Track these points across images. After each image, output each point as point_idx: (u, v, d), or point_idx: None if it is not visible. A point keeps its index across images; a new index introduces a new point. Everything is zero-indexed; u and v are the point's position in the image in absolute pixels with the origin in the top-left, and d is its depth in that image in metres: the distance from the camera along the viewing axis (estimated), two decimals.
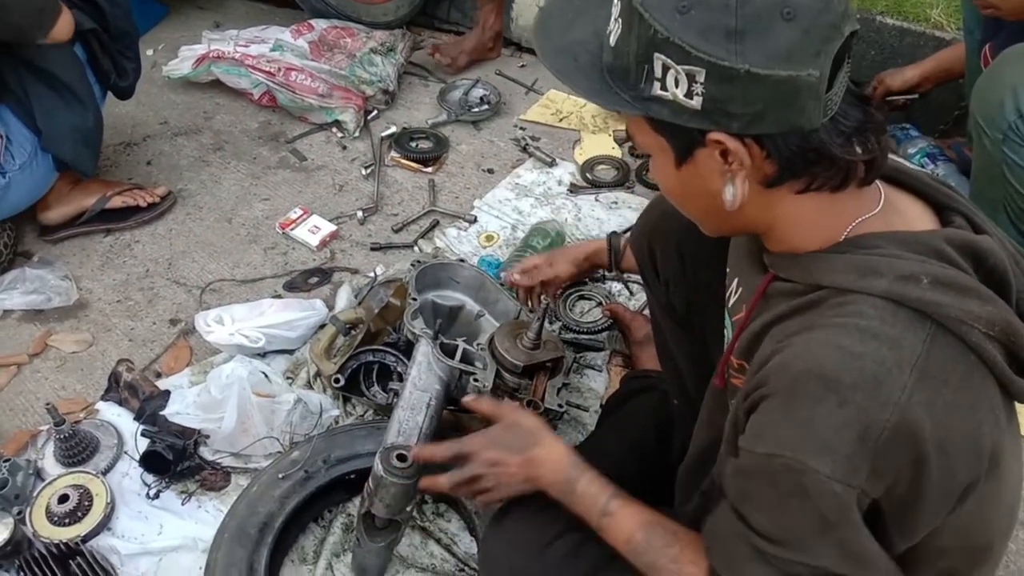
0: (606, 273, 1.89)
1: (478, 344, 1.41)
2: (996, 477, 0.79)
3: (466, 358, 1.40)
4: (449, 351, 1.40)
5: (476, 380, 1.36)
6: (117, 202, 2.08)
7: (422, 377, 1.35)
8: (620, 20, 0.77)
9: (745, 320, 0.90)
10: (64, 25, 1.76)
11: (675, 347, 1.31)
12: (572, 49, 0.83)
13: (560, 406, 1.37)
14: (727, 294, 1.01)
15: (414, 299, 1.48)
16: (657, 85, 0.76)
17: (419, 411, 1.31)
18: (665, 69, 0.74)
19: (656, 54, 0.74)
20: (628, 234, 1.44)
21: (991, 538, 0.87)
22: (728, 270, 1.02)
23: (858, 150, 0.77)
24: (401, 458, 1.20)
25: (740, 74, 0.72)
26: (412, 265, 1.59)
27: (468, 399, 1.22)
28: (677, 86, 0.74)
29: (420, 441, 1.28)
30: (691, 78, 0.73)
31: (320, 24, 2.50)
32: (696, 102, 0.74)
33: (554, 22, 0.86)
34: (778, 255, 0.86)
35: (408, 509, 1.25)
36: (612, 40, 0.79)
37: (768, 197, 0.81)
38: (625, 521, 0.97)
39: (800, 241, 0.83)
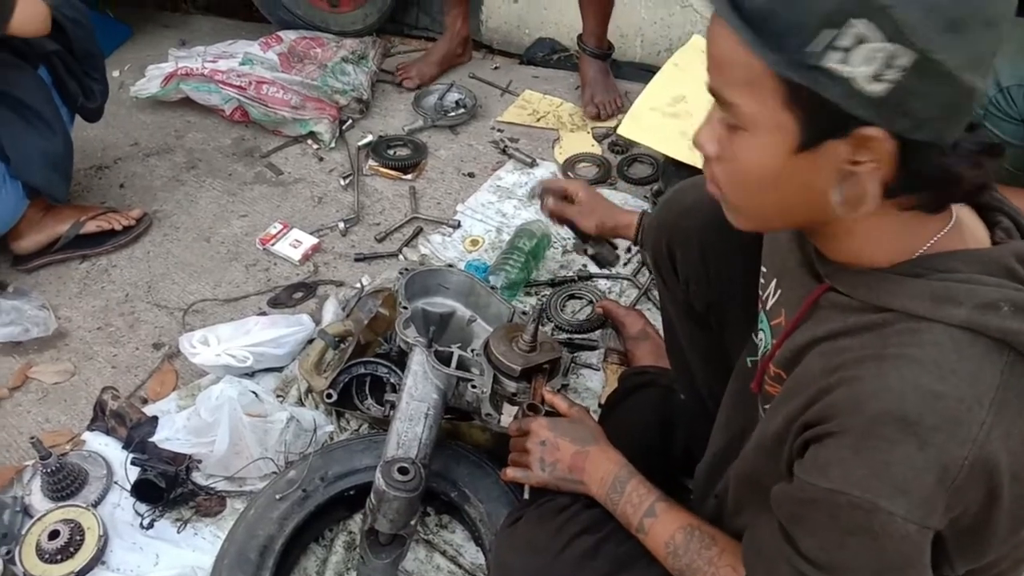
0: (594, 270, 1.87)
1: (473, 350, 1.39)
2: None
3: (462, 365, 1.38)
4: (444, 359, 1.37)
5: (474, 386, 1.34)
6: (91, 227, 2.03)
7: (418, 387, 1.32)
8: None
9: (790, 329, 0.85)
10: (28, 13, 1.66)
11: (689, 345, 1.29)
12: None
13: None
14: (764, 295, 0.97)
15: (404, 308, 1.45)
16: (836, 56, 0.64)
17: (417, 422, 1.28)
18: (858, 40, 0.63)
19: (854, 21, 0.62)
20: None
21: None
22: (764, 269, 0.97)
23: (980, 175, 0.71)
24: (403, 471, 1.17)
25: (943, 71, 0.64)
26: (400, 273, 1.56)
27: (548, 392, 1.27)
28: (865, 64, 0.63)
29: (420, 452, 1.26)
30: (889, 60, 0.63)
31: (289, 35, 2.47)
32: (880, 88, 0.64)
33: None
34: (838, 266, 0.79)
35: (412, 523, 1.22)
36: None
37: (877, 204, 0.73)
38: (668, 524, 0.98)
39: (870, 256, 0.76)
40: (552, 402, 1.26)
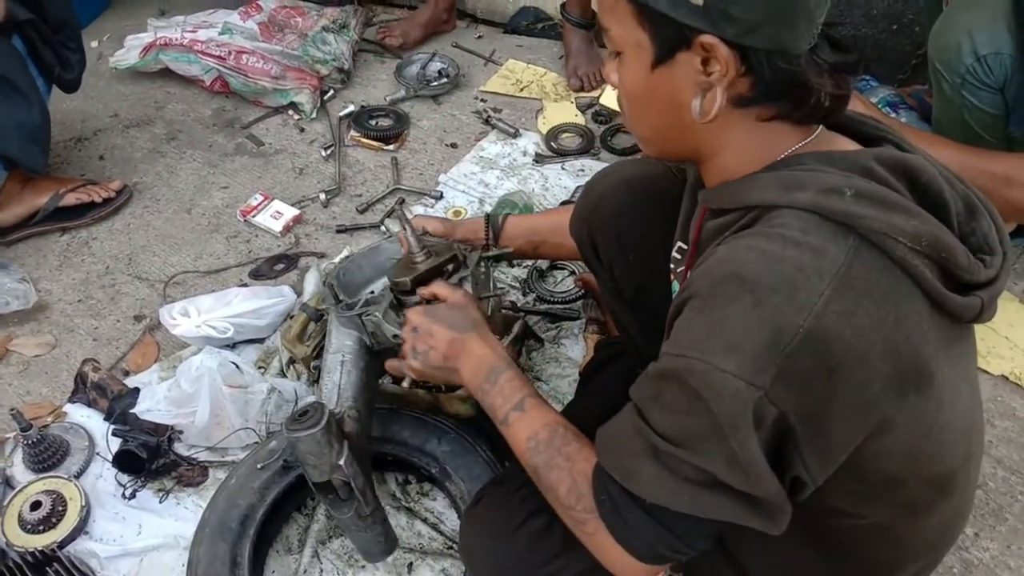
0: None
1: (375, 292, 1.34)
2: (930, 396, 0.78)
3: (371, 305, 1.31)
4: (352, 306, 1.32)
5: (370, 315, 1.27)
6: (71, 199, 2.01)
7: (332, 342, 1.29)
8: None
9: (687, 267, 0.89)
10: None
11: (629, 323, 1.30)
12: None
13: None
14: (672, 262, 1.00)
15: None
16: None
17: (334, 371, 1.26)
18: None
19: None
20: (509, 215, 1.41)
21: (949, 467, 0.86)
22: (680, 244, 1.00)
23: (830, 84, 0.76)
24: (302, 413, 1.13)
25: None
26: (325, 278, 1.47)
27: (425, 289, 1.19)
28: None
29: (341, 399, 1.23)
30: None
31: (268, 4, 2.43)
32: None
33: None
34: (712, 189, 0.85)
35: (341, 463, 1.15)
36: None
37: (729, 118, 0.79)
38: (534, 420, 0.96)
39: (737, 169, 0.82)
40: (433, 292, 1.19)
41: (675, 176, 1.09)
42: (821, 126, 0.82)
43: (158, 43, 2.34)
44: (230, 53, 2.26)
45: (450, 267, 1.28)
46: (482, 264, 1.33)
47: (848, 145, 0.82)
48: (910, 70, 2.27)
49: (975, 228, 0.80)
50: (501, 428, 0.99)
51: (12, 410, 1.48)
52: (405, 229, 1.26)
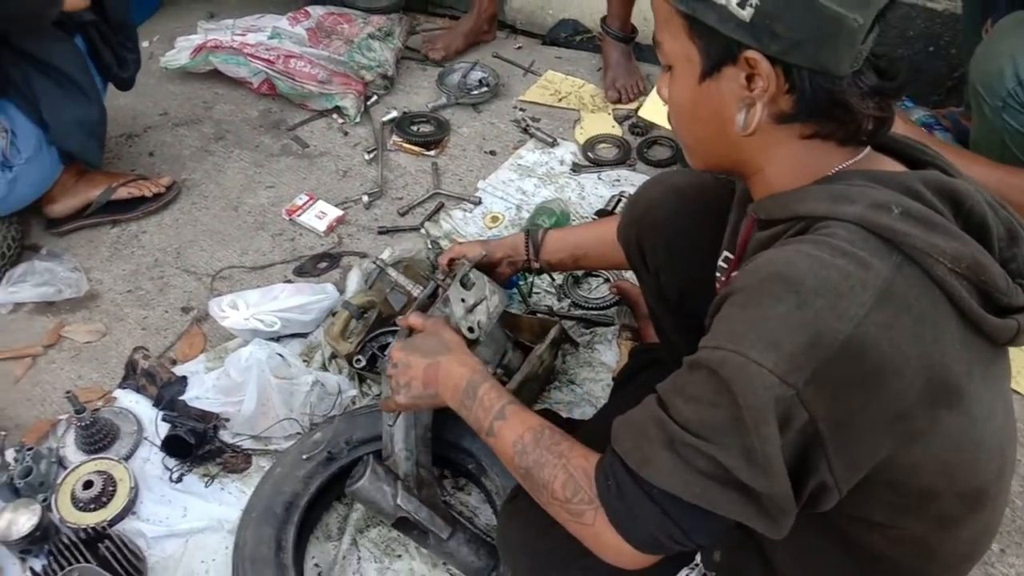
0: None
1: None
2: (962, 412, 0.80)
3: None
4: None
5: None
6: (123, 193, 2.08)
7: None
8: None
9: (732, 268, 0.92)
10: None
11: (671, 330, 1.33)
12: None
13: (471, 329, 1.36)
14: (723, 277, 1.03)
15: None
16: None
17: (386, 417, 1.36)
18: None
19: None
20: (549, 229, 1.46)
21: (982, 482, 0.88)
22: (726, 253, 1.04)
23: (876, 108, 0.79)
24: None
25: None
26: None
27: (401, 318, 1.30)
28: None
29: (394, 443, 1.34)
30: None
31: (317, 11, 2.50)
32: (747, 13, 0.75)
33: None
34: (761, 200, 0.88)
35: (407, 505, 1.29)
36: None
37: (773, 135, 0.82)
38: (517, 424, 0.99)
39: (784, 184, 0.85)
40: (408, 323, 1.26)
41: (724, 187, 1.13)
42: (868, 147, 0.85)
43: (208, 45, 2.42)
44: (279, 57, 2.33)
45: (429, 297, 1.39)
46: (470, 274, 1.39)
47: (895, 166, 0.85)
48: (945, 92, 2.29)
49: (1016, 254, 0.83)
50: (487, 440, 1.03)
51: (68, 393, 1.54)
52: (386, 272, 1.40)
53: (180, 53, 2.48)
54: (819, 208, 0.79)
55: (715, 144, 0.87)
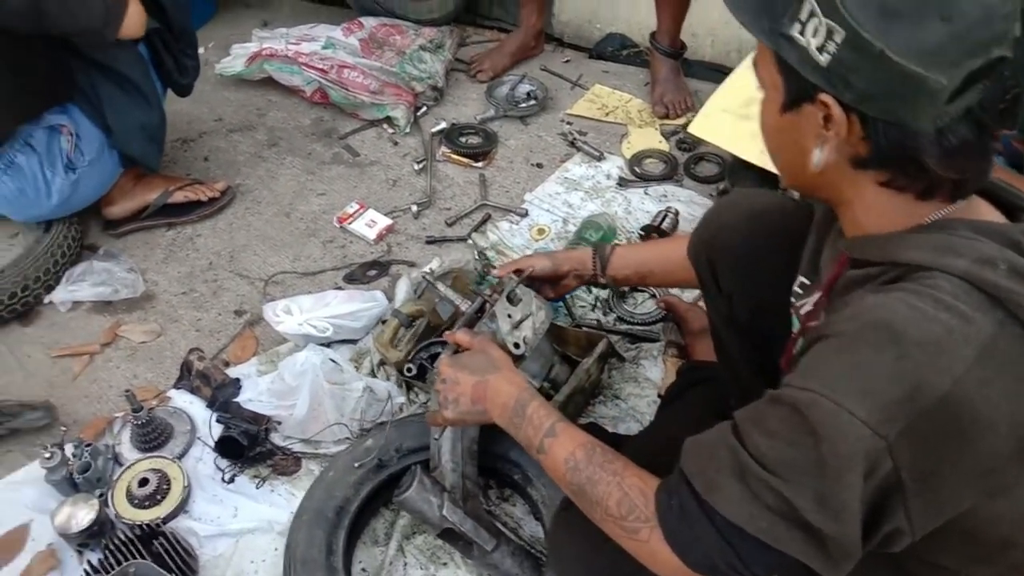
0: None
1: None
2: None
3: None
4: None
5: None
6: (179, 197, 2.13)
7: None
8: None
9: (816, 309, 0.92)
10: (134, 19, 1.76)
11: (736, 352, 1.33)
12: None
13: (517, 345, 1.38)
14: (798, 303, 1.03)
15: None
16: (797, 27, 0.77)
17: (433, 431, 1.37)
18: (810, 14, 0.76)
19: None
20: (618, 245, 1.47)
21: None
22: (802, 278, 1.04)
23: (952, 171, 0.78)
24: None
25: (874, 51, 0.73)
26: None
27: (448, 334, 1.33)
28: (814, 35, 0.76)
29: (441, 456, 1.36)
30: (829, 34, 0.74)
31: (370, 22, 2.55)
32: (823, 59, 0.76)
33: None
34: (854, 239, 0.88)
35: (452, 516, 1.32)
36: None
37: (852, 176, 0.83)
38: (567, 441, 1.01)
39: (876, 226, 0.85)
40: (454, 340, 1.29)
41: (802, 210, 1.13)
42: (972, 199, 0.84)
43: (263, 53, 2.47)
44: (332, 67, 2.37)
45: (478, 313, 1.41)
46: (517, 290, 1.41)
47: (994, 214, 0.85)
48: (998, 114, 2.26)
49: None
50: (538, 457, 1.05)
51: (127, 391, 1.58)
52: (436, 287, 1.44)
53: (235, 60, 2.53)
54: (922, 258, 0.79)
55: (798, 171, 0.88)
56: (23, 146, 1.86)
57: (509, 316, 1.38)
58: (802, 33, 0.77)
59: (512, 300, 1.40)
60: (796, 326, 1.04)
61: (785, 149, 0.88)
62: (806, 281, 1.03)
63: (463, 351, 1.27)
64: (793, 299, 1.05)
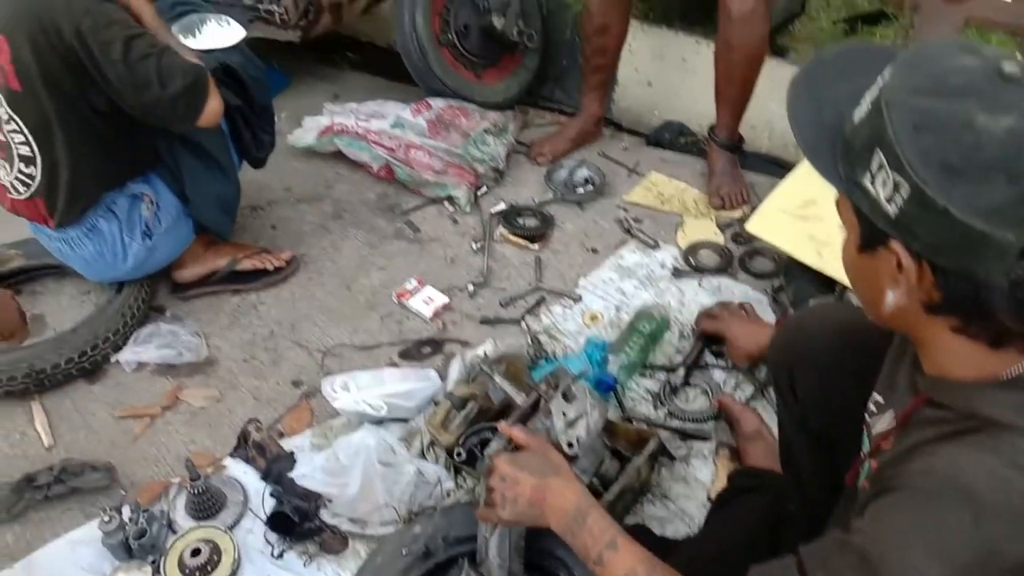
0: (712, 360, 1.94)
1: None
2: None
3: None
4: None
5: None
6: (247, 265, 2.22)
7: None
8: (871, 103, 0.80)
9: (887, 437, 0.92)
10: (213, 112, 1.86)
11: (804, 459, 1.33)
12: (823, 101, 0.86)
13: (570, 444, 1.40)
14: (871, 420, 1.04)
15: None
16: (868, 177, 0.80)
17: (481, 526, 1.38)
18: (880, 167, 0.78)
19: (878, 150, 0.78)
20: None
21: None
22: (877, 397, 1.05)
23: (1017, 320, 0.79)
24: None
25: (938, 207, 0.74)
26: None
27: (503, 423, 1.34)
28: (883, 187, 0.78)
29: (488, 550, 1.36)
30: (896, 187, 0.77)
31: (437, 103, 2.64)
32: (891, 210, 0.78)
33: (824, 68, 0.90)
34: (934, 379, 0.89)
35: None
36: (856, 116, 0.82)
37: (926, 320, 0.84)
38: (628, 557, 1.03)
39: (954, 370, 0.86)
40: (509, 434, 1.30)
41: (881, 328, 1.15)
42: None
43: (335, 128, 2.57)
44: (400, 146, 2.46)
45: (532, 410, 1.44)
46: (573, 388, 1.42)
47: None
48: None
49: None
50: (595, 567, 1.07)
51: (187, 460, 1.63)
52: (493, 379, 1.46)
53: (307, 133, 2.64)
54: (1003, 417, 0.80)
55: (874, 308, 0.90)
56: (106, 211, 1.96)
57: (564, 414, 1.40)
58: (872, 183, 0.79)
59: (567, 397, 1.42)
60: (867, 446, 1.05)
61: (862, 286, 0.91)
62: (880, 399, 1.04)
63: (517, 447, 1.28)
64: (867, 415, 1.06)
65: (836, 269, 1.95)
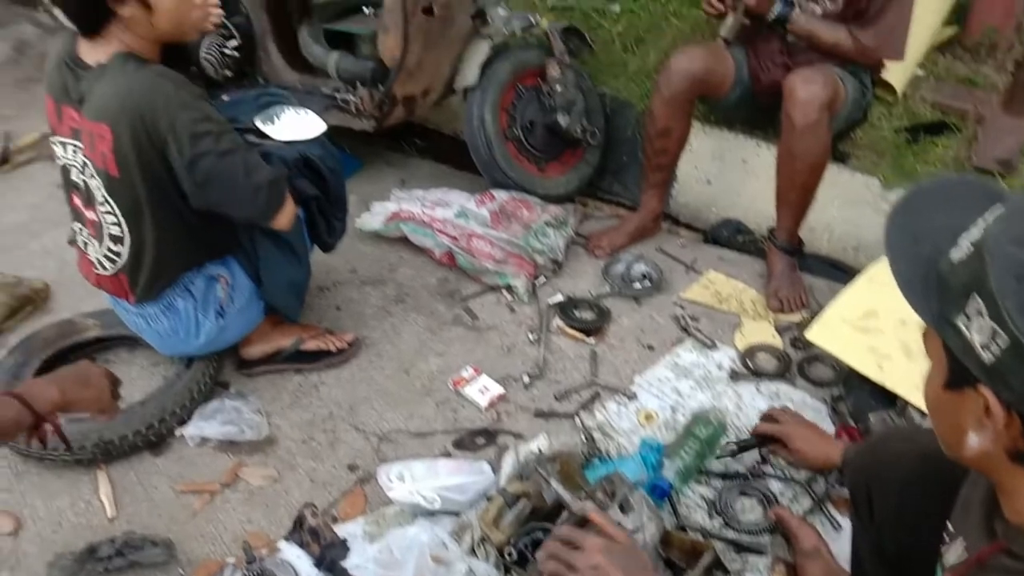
0: (768, 469, 1.91)
1: None
2: None
3: None
4: None
5: None
6: (311, 345, 2.28)
7: None
8: (971, 245, 0.80)
9: (959, 574, 0.91)
10: (287, 216, 1.95)
11: None
12: (921, 232, 0.86)
13: None
14: (944, 549, 1.03)
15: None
16: (963, 319, 0.79)
17: None
18: (977, 313, 0.77)
19: (977, 295, 0.77)
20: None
21: None
22: (951, 527, 1.04)
23: None
24: None
25: None
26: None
27: (593, 511, 1.28)
28: (979, 333, 0.77)
29: None
30: (993, 335, 0.76)
31: (501, 195, 2.73)
32: (986, 357, 0.77)
33: (923, 199, 0.90)
34: (1015, 528, 0.87)
35: None
36: (955, 255, 0.82)
37: (1010, 467, 0.84)
38: None
39: None
40: (602, 525, 1.24)
41: None
42: None
43: (402, 214, 2.67)
44: (463, 235, 2.54)
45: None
46: (630, 498, 1.41)
47: None
48: None
49: None
50: None
51: (244, 542, 1.66)
52: (549, 483, 1.48)
53: (375, 217, 2.74)
54: None
55: (954, 447, 0.89)
56: (183, 291, 2.05)
57: (619, 525, 1.40)
58: (967, 327, 0.78)
59: (624, 509, 1.42)
60: (939, 573, 1.03)
61: (943, 422, 0.90)
62: (952, 530, 1.03)
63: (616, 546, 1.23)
64: (942, 547, 1.04)
65: (897, 383, 1.94)
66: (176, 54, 1.90)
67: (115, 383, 1.57)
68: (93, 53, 1.78)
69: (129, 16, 1.72)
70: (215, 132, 1.81)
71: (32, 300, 2.51)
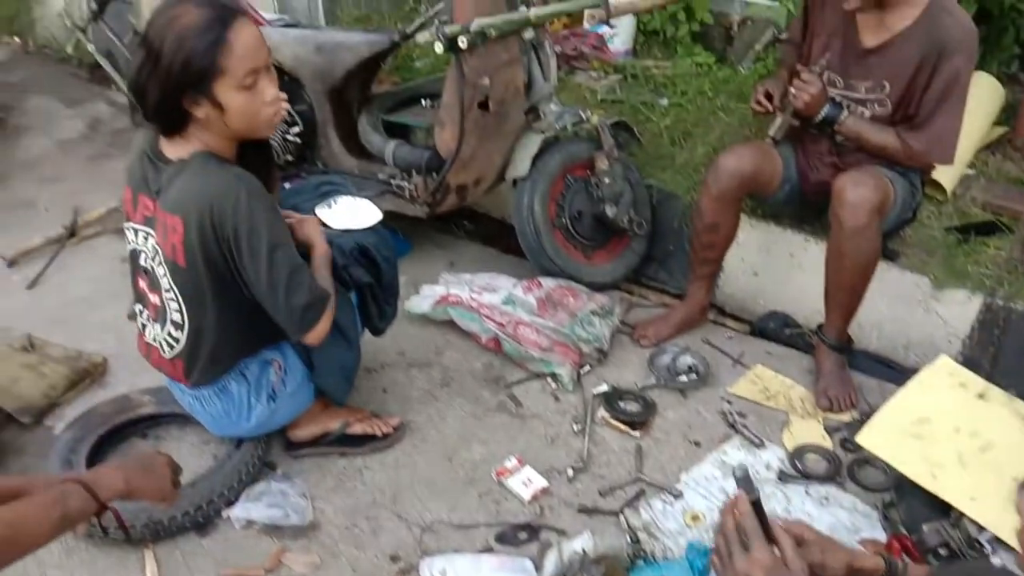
0: None
1: None
2: None
3: None
4: None
5: None
6: (357, 429, 2.31)
7: None
8: None
9: None
10: (319, 334, 1.96)
11: None
12: None
13: None
14: None
15: None
16: None
17: None
18: None
19: None
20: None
21: None
22: None
23: None
24: None
25: None
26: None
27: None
28: None
29: None
30: None
31: (548, 283, 2.77)
32: None
33: None
34: None
35: None
36: None
37: None
38: None
39: None
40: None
41: None
42: None
43: (450, 299, 2.72)
44: (510, 322, 2.57)
45: None
46: None
47: None
48: None
49: None
50: None
51: None
52: None
53: (423, 301, 2.79)
54: None
55: None
56: (237, 375, 2.10)
57: None
58: None
59: None
60: None
61: None
62: None
63: None
64: None
65: (952, 493, 1.89)
66: (255, 148, 1.99)
67: (176, 471, 1.61)
68: (174, 149, 1.88)
69: (204, 117, 1.81)
70: (272, 243, 1.84)
71: (90, 373, 2.59)
